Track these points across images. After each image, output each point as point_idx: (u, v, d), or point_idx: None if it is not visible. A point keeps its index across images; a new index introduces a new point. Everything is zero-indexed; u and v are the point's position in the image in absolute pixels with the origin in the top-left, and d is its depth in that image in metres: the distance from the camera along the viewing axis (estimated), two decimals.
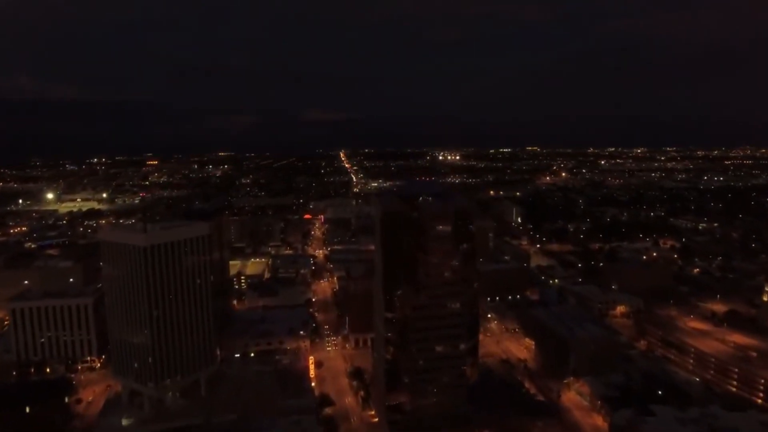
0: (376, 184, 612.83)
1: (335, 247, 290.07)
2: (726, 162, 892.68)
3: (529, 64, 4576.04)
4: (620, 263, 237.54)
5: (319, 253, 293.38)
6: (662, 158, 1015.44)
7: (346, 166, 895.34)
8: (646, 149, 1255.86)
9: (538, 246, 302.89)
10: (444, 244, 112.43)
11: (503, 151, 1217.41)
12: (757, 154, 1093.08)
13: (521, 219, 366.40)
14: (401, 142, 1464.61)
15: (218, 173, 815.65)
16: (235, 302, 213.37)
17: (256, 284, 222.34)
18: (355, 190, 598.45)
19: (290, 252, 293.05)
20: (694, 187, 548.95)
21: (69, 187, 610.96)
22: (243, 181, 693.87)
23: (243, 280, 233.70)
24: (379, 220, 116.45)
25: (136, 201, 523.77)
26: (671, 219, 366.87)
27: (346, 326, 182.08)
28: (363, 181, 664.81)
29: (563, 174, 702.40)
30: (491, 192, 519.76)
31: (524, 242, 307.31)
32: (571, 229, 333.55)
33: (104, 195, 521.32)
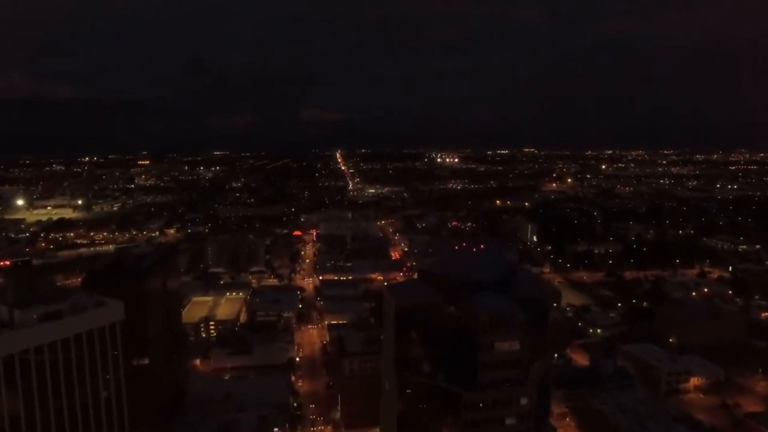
0: (373, 191, 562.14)
1: (327, 276, 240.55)
2: (731, 167, 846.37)
3: (527, 65, 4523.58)
4: (676, 308, 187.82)
5: (309, 282, 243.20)
6: (663, 162, 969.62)
7: (342, 168, 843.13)
8: (643, 152, 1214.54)
9: (563, 275, 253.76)
10: (507, 371, 62.34)
11: (501, 153, 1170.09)
12: (758, 158, 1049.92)
13: (536, 237, 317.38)
14: (399, 143, 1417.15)
15: (209, 175, 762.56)
16: (198, 361, 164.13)
17: (226, 336, 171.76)
18: (351, 194, 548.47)
19: (274, 282, 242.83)
20: (711, 197, 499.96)
21: (46, 191, 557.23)
22: (234, 184, 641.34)
23: (212, 327, 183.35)
24: (392, 322, 66.34)
25: (115, 208, 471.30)
26: (704, 239, 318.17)
27: (338, 410, 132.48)
28: (359, 186, 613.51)
29: (568, 180, 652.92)
30: (497, 201, 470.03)
31: (546, 270, 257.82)
32: (596, 252, 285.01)
33: (79, 201, 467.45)
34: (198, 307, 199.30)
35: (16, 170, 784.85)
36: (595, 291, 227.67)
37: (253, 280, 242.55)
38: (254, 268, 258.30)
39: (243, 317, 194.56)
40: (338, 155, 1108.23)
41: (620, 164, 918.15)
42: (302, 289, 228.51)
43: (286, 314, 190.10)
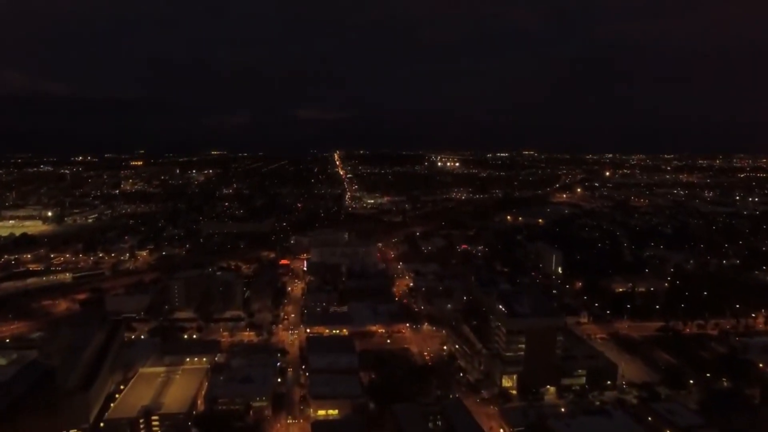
0: (372, 201, 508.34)
1: (317, 328, 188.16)
2: (740, 174, 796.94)
3: (527, 66, 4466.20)
4: None
5: (294, 338, 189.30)
6: (668, 168, 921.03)
7: (340, 172, 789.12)
8: (644, 156, 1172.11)
9: (604, 327, 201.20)
10: None
11: (501, 156, 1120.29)
12: (761, 164, 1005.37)
13: (561, 269, 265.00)
14: (398, 143, 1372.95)
15: (201, 179, 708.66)
16: None
17: None
18: (349, 205, 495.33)
19: (251, 336, 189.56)
20: (736, 212, 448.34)
21: (22, 197, 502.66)
22: (225, 191, 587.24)
23: (156, 424, 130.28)
24: None
25: (90, 220, 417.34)
26: (755, 272, 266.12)
27: None
28: (358, 194, 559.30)
29: (578, 190, 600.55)
30: (508, 217, 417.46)
31: (583, 320, 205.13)
32: (637, 290, 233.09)
33: (49, 213, 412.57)
34: (144, 385, 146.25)
35: (2, 171, 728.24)
36: (651, 355, 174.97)
37: (224, 333, 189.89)
38: (228, 313, 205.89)
39: (200, 403, 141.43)
40: (336, 156, 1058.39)
41: (625, 170, 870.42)
42: (284, 351, 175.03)
43: (257, 402, 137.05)
